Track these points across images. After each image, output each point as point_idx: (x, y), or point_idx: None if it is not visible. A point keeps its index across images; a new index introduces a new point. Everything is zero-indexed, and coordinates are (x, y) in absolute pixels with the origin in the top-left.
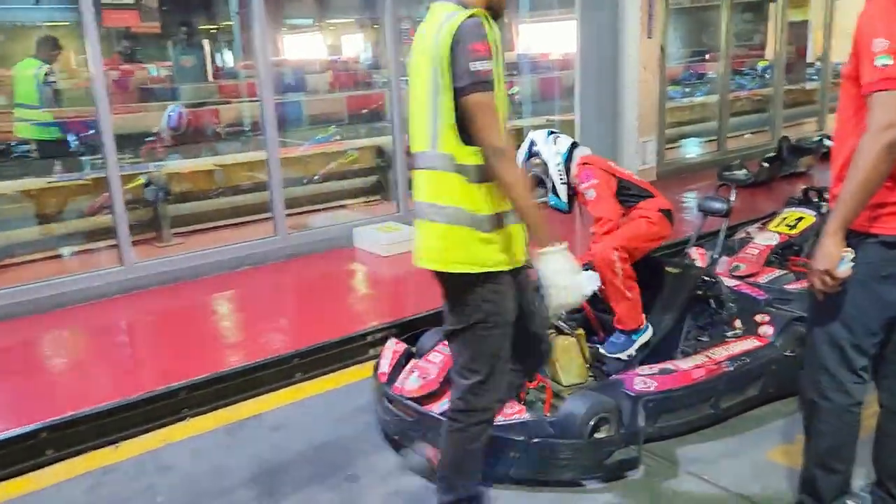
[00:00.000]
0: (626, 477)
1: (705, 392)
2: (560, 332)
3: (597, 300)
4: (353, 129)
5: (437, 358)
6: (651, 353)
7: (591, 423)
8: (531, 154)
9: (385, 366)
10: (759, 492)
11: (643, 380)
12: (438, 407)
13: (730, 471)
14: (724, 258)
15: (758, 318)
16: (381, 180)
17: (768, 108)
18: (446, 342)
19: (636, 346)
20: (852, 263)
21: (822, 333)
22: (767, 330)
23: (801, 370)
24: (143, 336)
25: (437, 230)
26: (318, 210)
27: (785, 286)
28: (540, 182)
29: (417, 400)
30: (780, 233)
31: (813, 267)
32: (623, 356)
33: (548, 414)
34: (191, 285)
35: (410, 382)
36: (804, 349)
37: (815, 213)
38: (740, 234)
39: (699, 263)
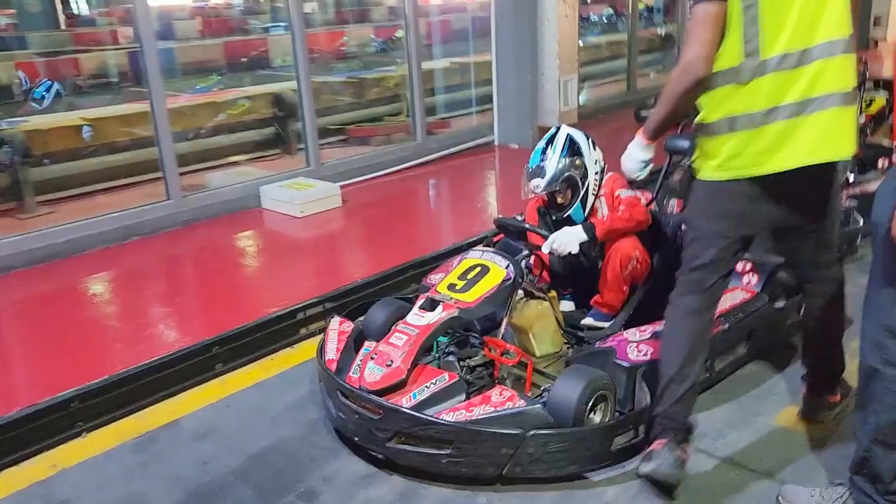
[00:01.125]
0: (626, 462)
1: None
2: (531, 295)
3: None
4: (237, 77)
5: (400, 340)
6: (634, 315)
7: (590, 404)
8: (573, 153)
9: (332, 351)
10: (777, 466)
11: (636, 347)
12: (407, 400)
13: (741, 443)
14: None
15: (739, 265)
16: (280, 132)
17: (666, 46)
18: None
19: (601, 323)
20: None
21: (891, 291)
22: (751, 279)
23: (862, 335)
24: (10, 335)
25: (849, 114)
26: (214, 167)
27: None
28: (573, 187)
29: (380, 392)
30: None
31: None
32: (606, 325)
33: (528, 393)
34: (67, 264)
35: (371, 372)
36: (864, 308)
37: None
38: (678, 176)
39: (675, 211)
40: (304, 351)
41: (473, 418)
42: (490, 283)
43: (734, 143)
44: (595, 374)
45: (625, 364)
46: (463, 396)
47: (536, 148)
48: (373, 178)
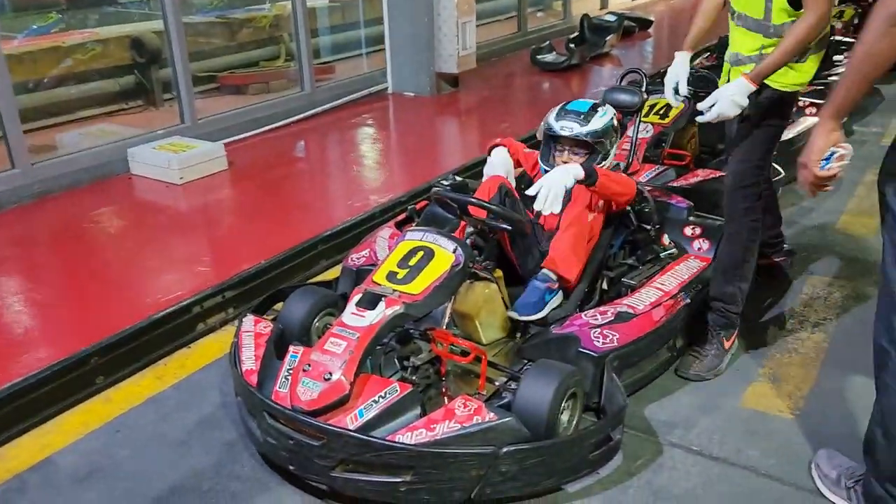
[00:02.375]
0: (600, 469)
1: (668, 334)
2: (475, 276)
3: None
4: (81, 15)
5: (338, 346)
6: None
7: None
8: (614, 130)
9: (250, 360)
10: (759, 457)
11: (600, 333)
12: (353, 419)
13: (714, 432)
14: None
15: (688, 230)
16: (141, 81)
17: None
18: (355, 311)
19: (549, 308)
20: (844, 162)
21: None
22: (702, 245)
23: (876, 314)
24: None
25: None
26: (67, 124)
27: (669, 183)
28: (591, 155)
29: (318, 412)
30: (652, 123)
31: (798, 160)
32: (536, 318)
33: (482, 391)
34: None
35: (305, 389)
36: (879, 286)
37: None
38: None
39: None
40: (204, 351)
41: (437, 438)
42: (437, 271)
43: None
44: (564, 371)
45: (593, 354)
46: (418, 410)
47: (582, 101)
48: (258, 133)
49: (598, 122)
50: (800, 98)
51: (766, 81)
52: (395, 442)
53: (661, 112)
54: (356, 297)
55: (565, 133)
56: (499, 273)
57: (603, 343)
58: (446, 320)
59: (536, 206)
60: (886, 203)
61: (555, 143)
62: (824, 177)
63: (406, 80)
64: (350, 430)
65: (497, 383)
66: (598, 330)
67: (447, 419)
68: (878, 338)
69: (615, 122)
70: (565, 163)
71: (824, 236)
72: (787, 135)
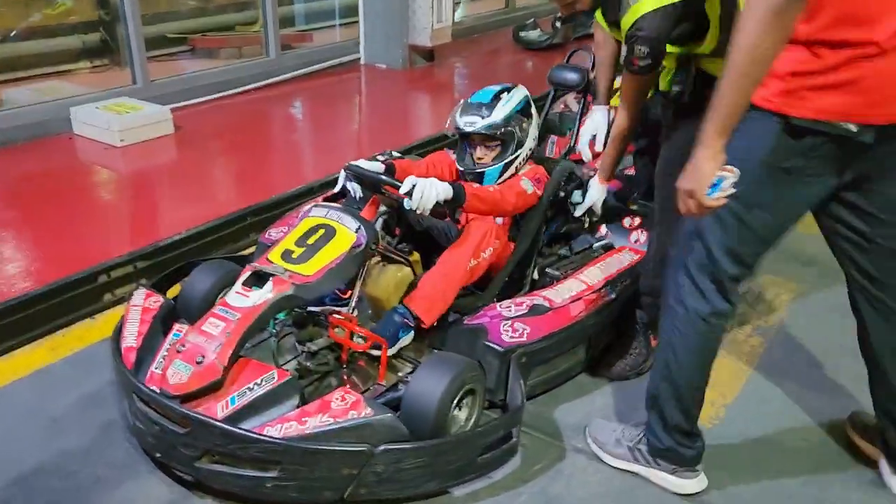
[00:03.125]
0: (493, 472)
1: (586, 330)
2: (389, 259)
3: None
4: None
5: (215, 327)
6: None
7: (455, 401)
8: (525, 114)
9: (132, 336)
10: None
11: (511, 325)
12: (223, 407)
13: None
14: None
15: (626, 221)
16: (106, 39)
17: None
18: (240, 290)
19: (399, 345)
20: (733, 190)
21: (691, 225)
22: (640, 237)
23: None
24: None
25: None
26: (24, 80)
27: (624, 170)
28: (504, 145)
29: (187, 398)
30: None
31: (678, 185)
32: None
33: (383, 381)
34: None
35: (175, 371)
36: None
37: None
38: (558, 108)
39: (555, 153)
40: (109, 323)
41: (307, 433)
42: (335, 251)
43: None
44: (461, 364)
45: (498, 348)
46: (296, 401)
47: (487, 89)
48: (215, 99)
49: (500, 112)
50: None
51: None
52: (261, 434)
53: None
54: (244, 276)
55: (468, 129)
56: (416, 256)
57: (511, 337)
58: (354, 303)
59: (407, 204)
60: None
61: (466, 138)
62: (712, 206)
63: (378, 52)
64: (215, 419)
65: (401, 374)
66: (509, 322)
67: (321, 412)
68: (665, 295)
69: (527, 106)
70: (479, 159)
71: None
72: None
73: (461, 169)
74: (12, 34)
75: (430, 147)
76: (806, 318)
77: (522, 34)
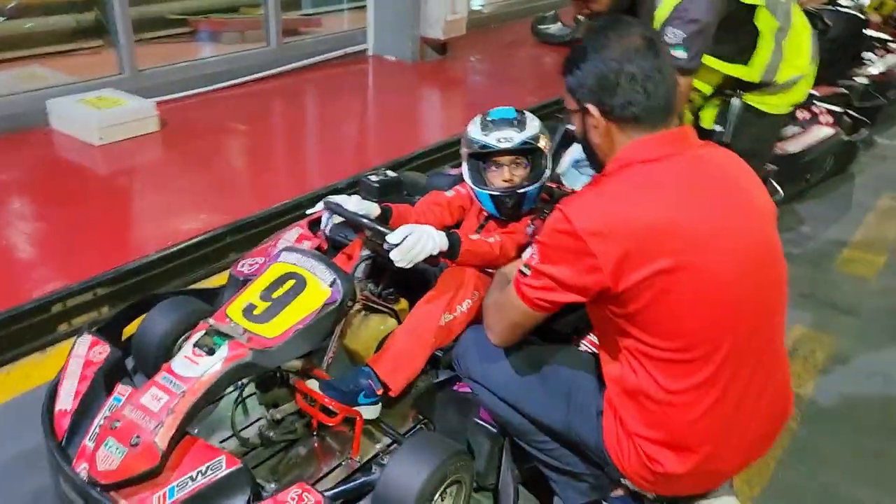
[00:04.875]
0: None
1: None
2: (371, 308)
3: None
4: None
5: (156, 401)
6: None
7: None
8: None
9: (68, 396)
10: None
11: None
12: (160, 500)
13: None
14: None
15: None
16: (100, 19)
17: None
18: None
19: (367, 415)
20: None
21: None
22: None
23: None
24: None
25: None
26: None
27: None
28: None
29: (118, 486)
30: None
31: None
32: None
33: (356, 457)
34: None
35: (106, 454)
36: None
37: None
38: None
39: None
40: (60, 358)
41: None
42: (304, 309)
43: None
44: (445, 452)
45: (490, 428)
46: (246, 494)
47: (500, 108)
48: (209, 92)
49: (532, 126)
50: (815, 104)
51: (749, 101)
52: None
53: None
54: (196, 335)
55: (504, 145)
56: (403, 304)
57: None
58: (328, 360)
59: (394, 256)
60: None
61: (486, 161)
62: None
63: (388, 43)
64: None
65: (379, 446)
66: None
67: None
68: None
69: (544, 127)
70: (506, 181)
71: (819, 275)
72: (794, 148)
73: (492, 193)
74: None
75: (439, 154)
76: (844, 384)
77: (542, 27)
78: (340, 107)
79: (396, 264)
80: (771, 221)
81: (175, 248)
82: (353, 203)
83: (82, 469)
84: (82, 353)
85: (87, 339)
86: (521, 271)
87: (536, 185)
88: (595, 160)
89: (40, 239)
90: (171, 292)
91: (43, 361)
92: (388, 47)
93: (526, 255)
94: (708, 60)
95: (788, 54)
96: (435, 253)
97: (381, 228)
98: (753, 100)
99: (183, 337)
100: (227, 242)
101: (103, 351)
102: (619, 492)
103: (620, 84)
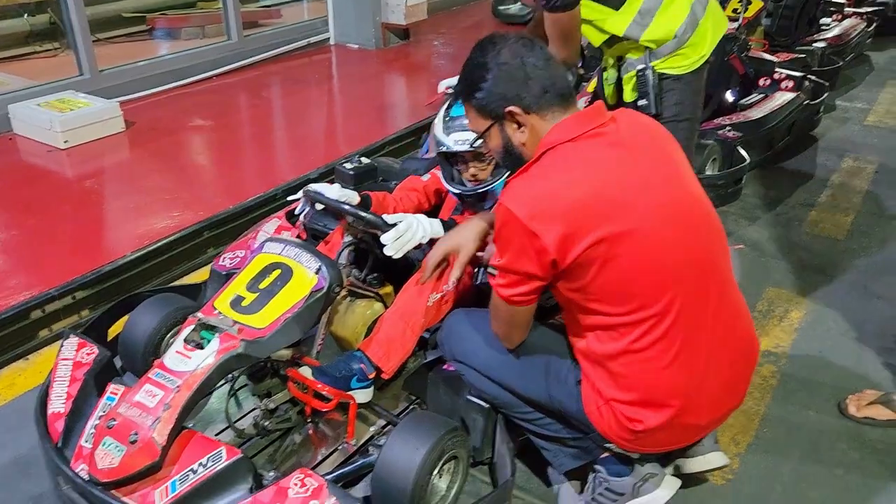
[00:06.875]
0: None
1: None
2: (357, 294)
3: None
4: None
5: (152, 398)
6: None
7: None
8: None
9: (60, 399)
10: None
11: None
12: (162, 495)
13: None
14: None
15: None
16: (55, 21)
17: None
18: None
19: (360, 398)
20: None
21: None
22: None
23: None
24: None
25: None
26: None
27: None
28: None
29: (119, 483)
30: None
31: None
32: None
33: (351, 441)
34: None
35: (105, 452)
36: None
37: None
38: None
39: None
40: (44, 365)
41: None
42: (292, 297)
43: None
44: (440, 429)
45: (483, 404)
46: (248, 484)
47: (459, 104)
48: (172, 89)
49: None
50: (776, 70)
51: (660, 70)
52: None
53: None
54: (186, 330)
55: (460, 148)
56: (388, 288)
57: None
58: (318, 347)
59: (383, 240)
60: None
61: (453, 158)
62: None
63: (349, 31)
64: None
65: (373, 428)
66: None
67: (277, 502)
68: None
69: None
70: (474, 177)
71: (788, 236)
72: (758, 114)
73: (456, 191)
74: None
75: (409, 140)
76: (820, 341)
77: (502, 8)
78: (306, 98)
79: (389, 255)
80: (688, 171)
81: (152, 247)
82: (335, 191)
83: (81, 469)
84: (70, 355)
85: (73, 341)
86: (489, 273)
87: (501, 179)
88: (521, 165)
89: (13, 247)
90: (153, 290)
91: (26, 369)
92: (351, 35)
93: (488, 254)
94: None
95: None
96: (425, 241)
97: (369, 216)
98: (662, 66)
99: (170, 333)
100: (205, 238)
101: (91, 352)
102: (608, 453)
103: (531, 76)
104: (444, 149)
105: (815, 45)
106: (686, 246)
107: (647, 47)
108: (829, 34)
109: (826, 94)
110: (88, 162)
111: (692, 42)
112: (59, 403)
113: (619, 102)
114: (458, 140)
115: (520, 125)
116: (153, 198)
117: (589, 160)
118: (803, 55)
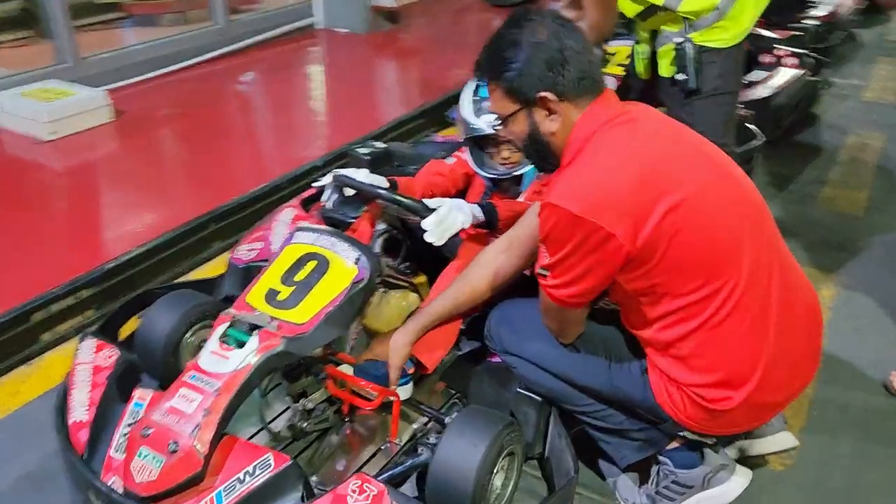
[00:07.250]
0: None
1: None
2: (390, 284)
3: None
4: None
5: (189, 403)
6: None
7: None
8: None
9: (82, 407)
10: None
11: None
12: None
13: None
14: None
15: None
16: (28, 8)
17: None
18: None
19: (395, 388)
20: None
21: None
22: None
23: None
24: None
25: None
26: None
27: None
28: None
29: (159, 497)
30: (615, 75)
31: None
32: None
33: (395, 440)
34: None
35: (143, 464)
36: None
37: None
38: None
39: None
40: (49, 370)
41: None
42: (332, 289)
43: None
44: (498, 425)
45: (535, 397)
46: (299, 493)
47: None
48: (158, 76)
49: None
50: (775, 46)
51: (700, 42)
52: None
53: (626, 62)
54: (220, 328)
55: (493, 130)
56: (421, 278)
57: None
58: (351, 342)
59: (425, 225)
60: None
61: (483, 141)
62: None
63: (338, 15)
64: None
65: (415, 426)
66: None
67: None
68: None
69: None
70: (506, 160)
71: (805, 213)
72: (765, 91)
73: (491, 176)
74: None
75: (407, 127)
76: (855, 318)
77: None
78: (297, 84)
79: (430, 241)
80: (711, 146)
81: (159, 242)
82: (363, 176)
83: (114, 482)
84: (88, 358)
85: (91, 342)
86: (539, 274)
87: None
88: (548, 157)
89: (8, 243)
90: (167, 286)
91: (31, 375)
92: (339, 19)
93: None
94: None
95: None
96: (466, 226)
97: (409, 201)
98: (702, 38)
99: (190, 332)
100: (210, 231)
101: (112, 354)
102: (675, 444)
103: (569, 59)
104: (475, 132)
105: (807, 21)
106: (743, 212)
107: (685, 18)
108: (819, 12)
109: (824, 71)
110: (77, 154)
111: (732, 14)
112: (81, 411)
113: (653, 78)
114: (490, 122)
115: (550, 112)
116: (149, 190)
117: (631, 140)
118: (801, 32)
